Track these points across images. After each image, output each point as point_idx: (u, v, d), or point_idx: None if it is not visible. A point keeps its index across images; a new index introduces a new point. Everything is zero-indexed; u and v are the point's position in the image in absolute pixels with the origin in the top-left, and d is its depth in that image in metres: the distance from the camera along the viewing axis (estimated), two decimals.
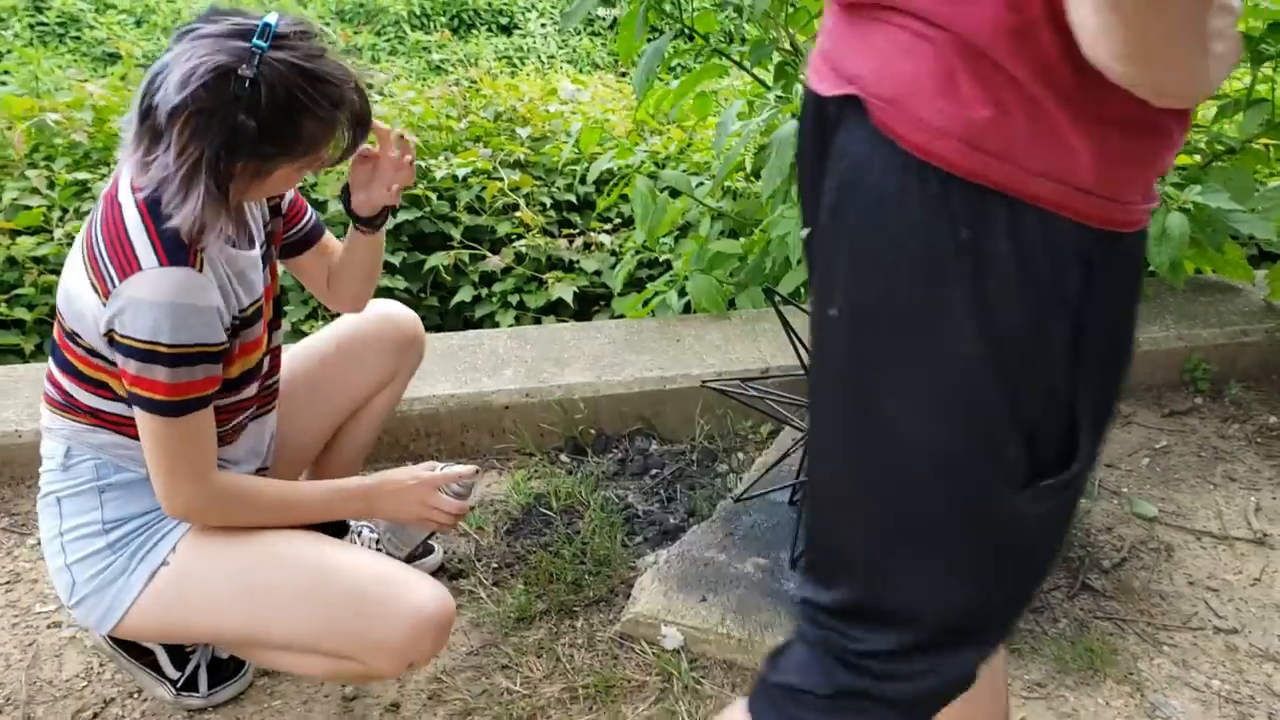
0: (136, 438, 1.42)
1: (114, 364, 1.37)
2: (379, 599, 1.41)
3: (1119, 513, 2.17)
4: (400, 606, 1.41)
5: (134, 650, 1.66)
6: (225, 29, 1.26)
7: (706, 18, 2.72)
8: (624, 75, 10.37)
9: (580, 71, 11.24)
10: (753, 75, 2.87)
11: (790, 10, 2.69)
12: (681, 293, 2.80)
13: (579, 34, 15.16)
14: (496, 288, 3.48)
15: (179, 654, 1.69)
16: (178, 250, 1.31)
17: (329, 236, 1.78)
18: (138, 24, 13.70)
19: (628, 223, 3.79)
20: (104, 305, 1.31)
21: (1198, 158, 2.81)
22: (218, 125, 1.26)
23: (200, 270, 1.34)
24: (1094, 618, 1.88)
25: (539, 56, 14.12)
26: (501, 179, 3.65)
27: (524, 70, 10.34)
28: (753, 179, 3.25)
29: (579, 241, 3.58)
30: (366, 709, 1.72)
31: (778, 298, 1.86)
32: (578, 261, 3.53)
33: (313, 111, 1.31)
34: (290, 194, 1.66)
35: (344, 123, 1.37)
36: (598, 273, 3.53)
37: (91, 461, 1.47)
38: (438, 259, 3.45)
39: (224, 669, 1.73)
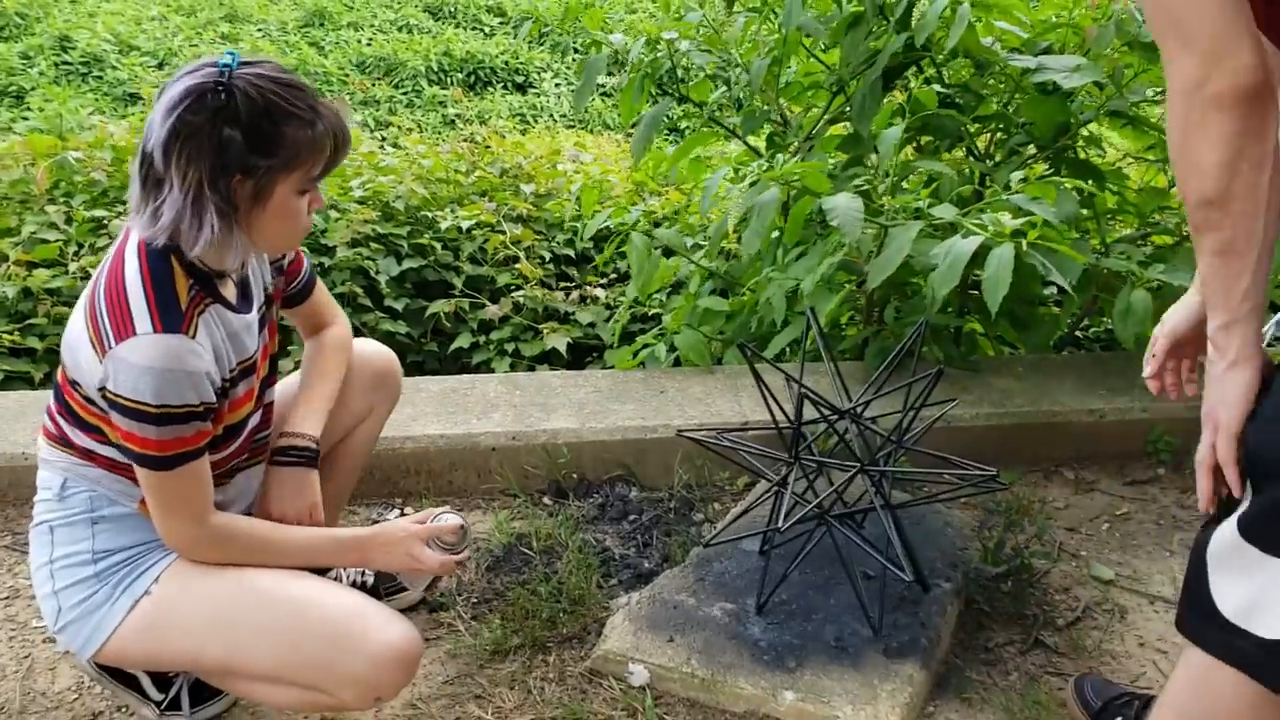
0: (128, 477, 1.51)
1: (108, 414, 1.45)
2: (349, 634, 1.48)
3: (1077, 574, 2.25)
4: (368, 642, 1.48)
5: (118, 674, 1.72)
6: (195, 65, 1.36)
7: (702, 86, 2.86)
8: (630, 137, 10.52)
9: (590, 131, 11.46)
10: (745, 143, 3.00)
11: (782, 85, 2.83)
12: (671, 347, 2.91)
13: (593, 95, 15.43)
14: (494, 335, 3.59)
15: (161, 677, 1.75)
16: (172, 317, 1.39)
17: (318, 294, 1.87)
18: (159, 66, 13.99)
19: (623, 278, 3.92)
20: (100, 363, 1.39)
21: (1169, 238, 2.93)
22: (206, 143, 1.34)
23: (193, 336, 1.41)
24: (1045, 672, 1.96)
25: (552, 115, 14.39)
26: (504, 232, 3.78)
27: (536, 128, 10.55)
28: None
29: (575, 294, 3.70)
30: None
31: (750, 353, 1.96)
32: (573, 313, 3.65)
33: (292, 114, 1.39)
34: (292, 252, 1.76)
35: (324, 131, 1.43)
36: (592, 325, 3.64)
37: (87, 494, 1.54)
38: (439, 306, 3.57)
39: (206, 690, 1.81)
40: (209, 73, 1.35)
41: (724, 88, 2.93)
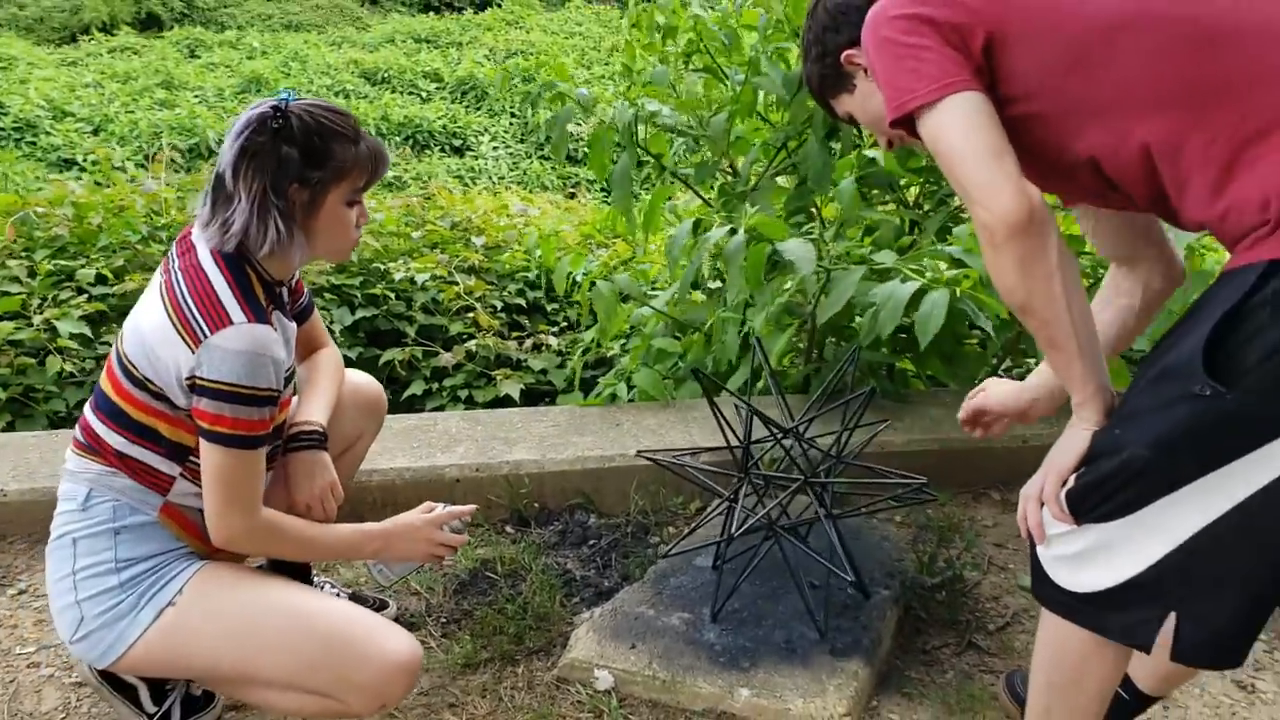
0: (152, 485, 1.64)
1: (176, 408, 1.59)
2: (359, 644, 1.61)
3: (1005, 585, 2.43)
4: (377, 652, 1.61)
5: (117, 685, 1.81)
6: (257, 103, 1.60)
7: (658, 139, 3.06)
8: (572, 195, 10.74)
9: (530, 191, 11.70)
10: (697, 193, 3.21)
11: (734, 139, 3.04)
12: (630, 386, 3.07)
13: (529, 158, 15.72)
14: (447, 382, 3.72)
15: (159, 691, 1.84)
16: (258, 310, 1.58)
17: (316, 317, 2.03)
18: (95, 132, 14.01)
19: (573, 326, 4.08)
20: (192, 354, 1.54)
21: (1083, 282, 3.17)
22: (268, 159, 1.57)
23: (274, 328, 1.60)
24: (978, 671, 2.12)
25: (490, 177, 14.61)
26: (456, 282, 3.93)
27: (474, 189, 10.75)
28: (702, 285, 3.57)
29: (528, 342, 3.85)
30: None
31: (704, 378, 2.13)
32: (525, 360, 3.79)
33: (340, 133, 1.62)
34: (296, 274, 1.91)
35: (366, 149, 1.66)
36: (544, 371, 3.79)
37: (110, 504, 1.65)
38: (392, 354, 3.70)
39: (195, 704, 1.90)
40: (271, 105, 1.58)
41: (681, 142, 3.14)
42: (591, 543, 2.53)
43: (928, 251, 2.60)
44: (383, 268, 4.02)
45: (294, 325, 1.82)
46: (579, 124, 2.95)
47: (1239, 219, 1.27)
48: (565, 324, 4.11)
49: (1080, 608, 1.44)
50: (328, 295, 3.83)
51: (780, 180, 3.18)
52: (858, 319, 2.65)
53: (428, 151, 15.35)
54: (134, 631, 1.62)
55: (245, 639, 1.62)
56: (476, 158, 15.03)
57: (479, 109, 16.95)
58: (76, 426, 1.71)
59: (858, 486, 2.38)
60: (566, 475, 2.62)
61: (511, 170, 14.94)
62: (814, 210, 3.13)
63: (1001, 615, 2.32)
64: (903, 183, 3.18)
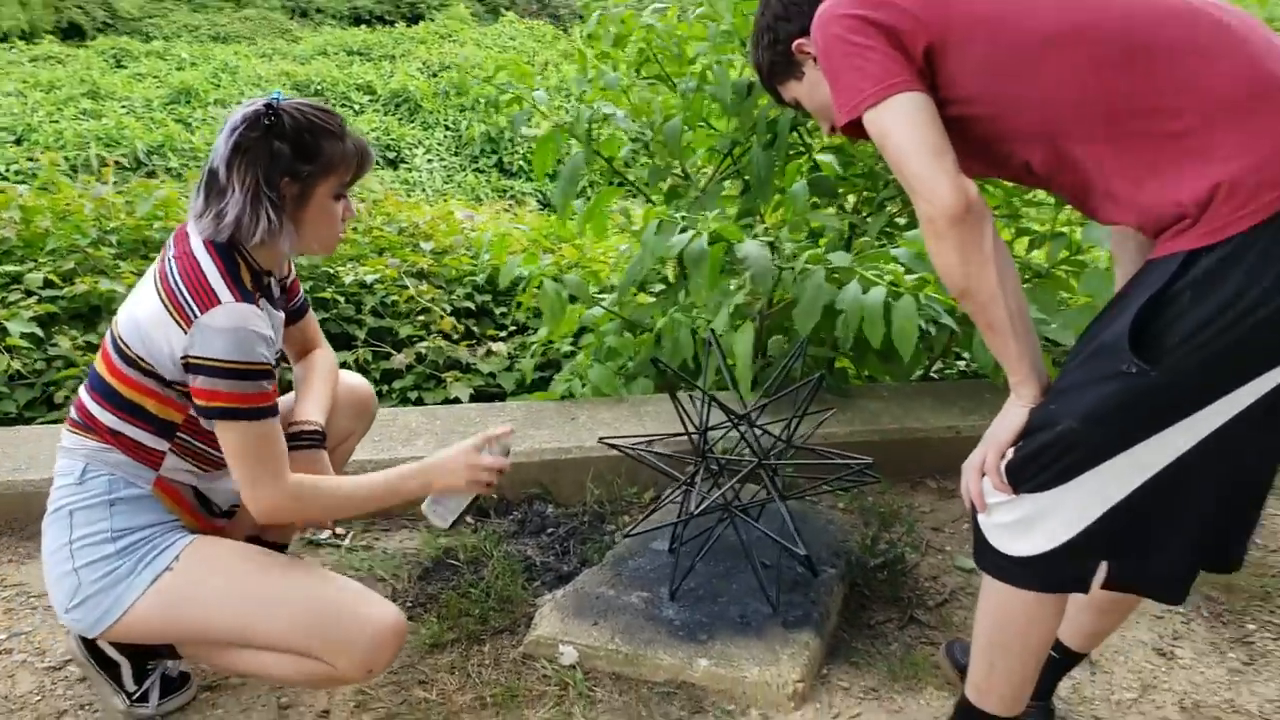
0: (145, 460, 1.72)
1: (166, 385, 1.67)
2: (350, 609, 1.70)
3: (943, 565, 2.57)
4: (366, 617, 1.70)
5: (102, 662, 1.86)
6: (249, 101, 1.68)
7: (611, 142, 3.17)
8: (517, 202, 10.82)
9: (465, 203, 11.72)
10: (646, 196, 3.32)
11: (685, 144, 3.17)
12: (583, 383, 3.17)
13: (464, 170, 15.75)
14: (397, 384, 3.78)
15: (140, 670, 1.90)
16: (244, 291, 1.66)
17: (310, 316, 2.12)
18: (17, 142, 13.74)
19: (523, 330, 4.17)
20: (185, 334, 1.62)
21: None
22: (260, 153, 1.65)
23: (260, 309, 1.68)
24: (919, 642, 2.26)
25: (424, 189, 14.61)
26: (406, 286, 3.99)
27: (411, 200, 10.77)
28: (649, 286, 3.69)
29: (481, 349, 3.92)
30: (300, 716, 1.96)
31: (664, 366, 2.24)
32: (474, 364, 3.87)
33: (328, 130, 1.71)
34: (292, 274, 2.00)
35: (352, 145, 1.75)
36: (493, 375, 3.87)
37: (105, 477, 1.72)
38: (342, 356, 3.75)
39: (172, 684, 1.96)
40: (262, 104, 1.65)
41: (631, 145, 3.25)
42: (550, 531, 2.62)
43: (878, 253, 2.74)
44: (332, 271, 4.07)
45: (281, 315, 1.89)
46: (533, 128, 3.04)
47: (1159, 216, 1.41)
48: (514, 327, 4.19)
49: (1019, 571, 1.57)
50: None
51: (725, 185, 3.32)
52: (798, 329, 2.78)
53: None
54: (131, 594, 1.68)
55: (241, 602, 1.69)
56: (411, 170, 15.03)
57: (413, 121, 16.93)
58: (71, 407, 1.78)
59: (804, 471, 2.50)
60: (524, 467, 2.71)
61: (447, 182, 14.96)
62: (759, 215, 3.26)
63: (940, 593, 2.45)
64: (840, 190, 3.34)
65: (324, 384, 2.05)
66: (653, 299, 3.50)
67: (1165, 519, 1.51)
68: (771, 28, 1.74)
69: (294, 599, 1.70)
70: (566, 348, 3.84)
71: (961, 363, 4.01)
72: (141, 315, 1.67)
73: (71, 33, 21.49)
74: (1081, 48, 1.43)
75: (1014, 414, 1.56)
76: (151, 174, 12.54)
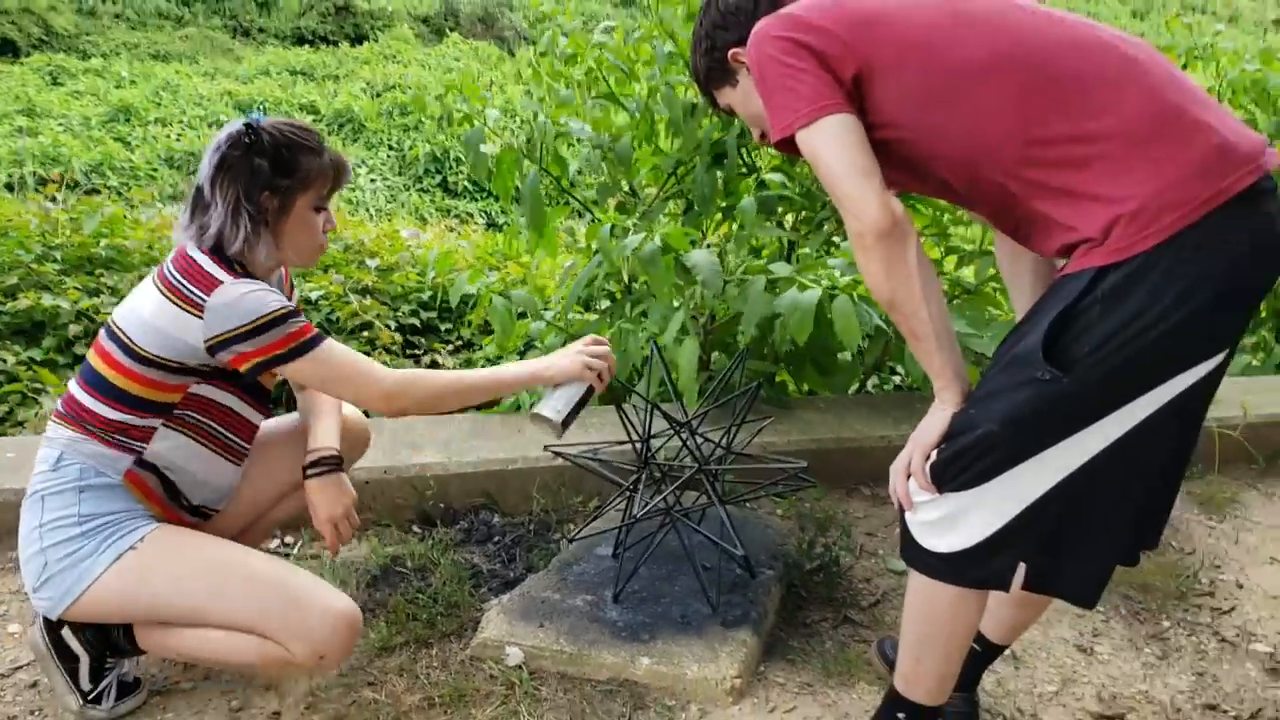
0: (125, 447, 1.82)
1: (182, 373, 1.80)
2: (308, 594, 1.80)
3: (876, 568, 2.68)
4: (325, 604, 1.79)
5: (62, 654, 1.91)
6: (231, 122, 1.81)
7: (558, 161, 3.25)
8: (461, 221, 10.85)
9: (411, 222, 11.73)
10: (592, 212, 3.41)
11: (632, 162, 3.27)
12: (531, 395, 3.23)
13: (408, 190, 15.74)
14: None
15: (98, 668, 1.94)
16: (245, 272, 1.82)
17: None
18: None
19: (469, 345, 4.22)
20: (201, 320, 1.73)
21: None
22: (241, 170, 1.79)
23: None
24: (853, 640, 2.35)
25: (368, 209, 14.59)
26: (351, 301, 4.04)
27: (356, 219, 10.76)
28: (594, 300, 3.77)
29: (425, 360, 3.98)
30: (251, 718, 2.00)
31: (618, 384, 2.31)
32: None
33: (305, 146, 1.84)
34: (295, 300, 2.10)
35: (329, 159, 1.88)
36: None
37: (77, 466, 1.80)
38: None
39: (126, 688, 1.99)
40: (242, 124, 1.81)
41: (575, 166, 3.33)
42: (496, 539, 2.68)
43: (815, 262, 2.85)
44: None
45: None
46: (488, 145, 3.10)
47: (1069, 237, 1.52)
48: (459, 343, 4.25)
49: (943, 567, 1.66)
50: None
51: (669, 204, 3.42)
52: (743, 334, 2.87)
53: None
54: (95, 570, 1.76)
55: (201, 581, 1.78)
56: (355, 189, 14.99)
57: (356, 141, 16.88)
58: (58, 401, 1.88)
59: (743, 477, 2.59)
60: (471, 477, 2.77)
61: (390, 202, 14.94)
62: (703, 233, 3.36)
63: (873, 594, 2.55)
64: (780, 209, 3.45)
65: (332, 415, 2.16)
66: (596, 316, 3.58)
67: (1076, 520, 1.62)
68: (709, 35, 1.84)
69: (254, 579, 1.78)
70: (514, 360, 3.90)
71: (896, 377, 4.13)
72: (150, 317, 1.77)
73: (4, 49, 21.11)
74: (1002, 80, 1.52)
75: (938, 418, 1.66)
76: (92, 191, 12.40)
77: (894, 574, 2.65)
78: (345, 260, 4.46)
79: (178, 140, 15.46)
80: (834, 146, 1.57)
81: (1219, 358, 1.52)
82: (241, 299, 1.74)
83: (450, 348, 4.18)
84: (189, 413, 1.87)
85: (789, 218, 3.50)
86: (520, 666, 2.15)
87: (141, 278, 3.79)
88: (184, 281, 1.76)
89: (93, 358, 1.84)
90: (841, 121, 1.57)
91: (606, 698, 2.08)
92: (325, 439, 2.10)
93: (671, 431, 2.34)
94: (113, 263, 3.94)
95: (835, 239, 3.38)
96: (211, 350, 1.76)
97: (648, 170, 3.34)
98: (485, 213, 14.19)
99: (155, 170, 14.34)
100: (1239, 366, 4.34)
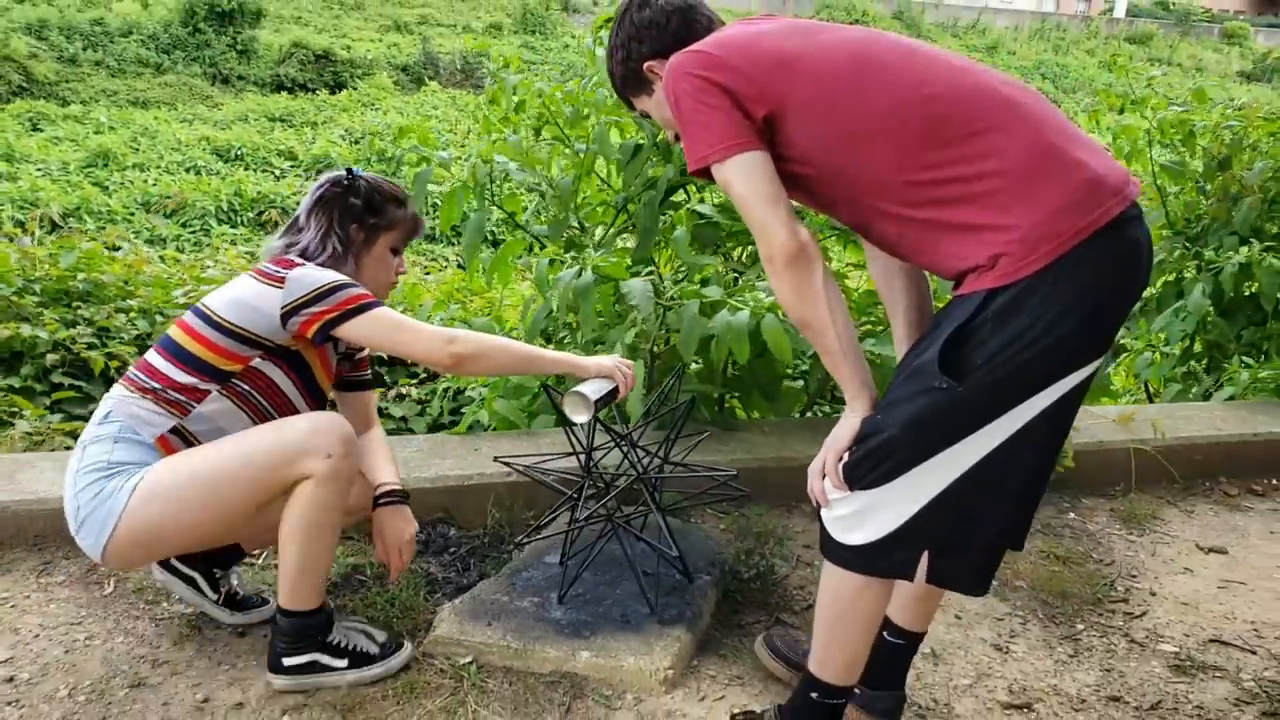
0: (176, 407, 2.06)
1: (254, 344, 2.08)
2: (287, 423, 2.06)
3: (810, 577, 2.84)
4: (301, 419, 2.07)
5: (183, 579, 2.33)
6: (330, 172, 2.23)
7: (513, 199, 3.45)
8: (434, 263, 11.05)
9: None
10: (542, 246, 3.60)
11: (581, 199, 3.47)
12: (491, 417, 3.41)
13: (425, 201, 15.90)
14: None
15: (211, 580, 2.36)
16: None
17: (374, 393, 2.51)
18: None
19: (432, 376, 4.39)
20: (279, 291, 2.04)
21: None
22: (336, 204, 2.19)
23: None
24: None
25: None
26: None
27: None
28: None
29: (391, 392, 4.13)
30: (214, 710, 2.14)
31: (553, 392, 2.49)
32: (387, 408, 4.08)
33: (394, 196, 2.26)
34: (364, 351, 2.42)
35: (410, 211, 2.28)
36: (404, 419, 4.08)
37: (119, 423, 2.05)
38: None
39: (250, 602, 2.42)
40: (340, 172, 2.23)
41: (534, 201, 3.53)
42: (452, 550, 2.84)
43: (745, 285, 3.05)
44: None
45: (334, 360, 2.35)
46: (438, 184, 3.30)
47: (959, 266, 1.71)
48: (425, 374, 4.40)
49: (855, 559, 1.84)
50: None
51: (620, 241, 3.61)
52: (681, 354, 3.04)
53: (279, 225, 15.39)
54: (118, 505, 1.96)
55: (210, 477, 1.99)
56: None
57: None
58: (133, 368, 2.14)
59: (679, 485, 2.76)
60: (429, 492, 2.92)
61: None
62: (654, 264, 3.56)
63: (806, 599, 2.72)
64: (728, 244, 3.65)
65: (386, 454, 2.44)
66: (553, 348, 3.76)
67: (966, 518, 1.80)
68: (625, 45, 1.99)
69: (247, 447, 2.02)
70: (478, 386, 4.06)
71: (842, 405, 4.31)
72: (247, 297, 2.07)
73: None
74: (899, 127, 1.70)
75: (849, 423, 1.84)
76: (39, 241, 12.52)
77: None
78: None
79: (154, 185, 15.63)
80: (745, 180, 1.74)
81: (1093, 365, 1.72)
82: (314, 271, 2.06)
83: (416, 380, 4.34)
84: (243, 383, 2.10)
85: (736, 251, 3.70)
86: (470, 662, 2.30)
87: (119, 310, 3.96)
88: (274, 267, 2.07)
89: (174, 331, 2.13)
90: (751, 158, 1.74)
91: (549, 688, 2.23)
92: (388, 475, 2.37)
93: (613, 444, 2.51)
94: (89, 296, 4.09)
95: None
96: (285, 318, 2.03)
97: (598, 206, 3.54)
98: (459, 256, 14.36)
99: (132, 214, 14.50)
100: (1170, 394, 4.55)
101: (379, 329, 2.07)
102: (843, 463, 1.82)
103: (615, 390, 2.27)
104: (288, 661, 2.16)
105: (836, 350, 1.79)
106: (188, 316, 2.13)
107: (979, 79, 1.73)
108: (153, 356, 2.12)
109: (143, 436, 2.05)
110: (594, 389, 2.21)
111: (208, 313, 2.09)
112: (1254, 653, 2.60)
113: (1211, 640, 2.66)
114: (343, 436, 2.03)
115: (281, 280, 2.04)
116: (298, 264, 2.07)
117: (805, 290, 1.75)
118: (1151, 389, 5.01)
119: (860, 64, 1.76)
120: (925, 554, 1.83)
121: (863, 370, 1.83)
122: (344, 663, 2.20)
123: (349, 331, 2.06)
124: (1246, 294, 4.45)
